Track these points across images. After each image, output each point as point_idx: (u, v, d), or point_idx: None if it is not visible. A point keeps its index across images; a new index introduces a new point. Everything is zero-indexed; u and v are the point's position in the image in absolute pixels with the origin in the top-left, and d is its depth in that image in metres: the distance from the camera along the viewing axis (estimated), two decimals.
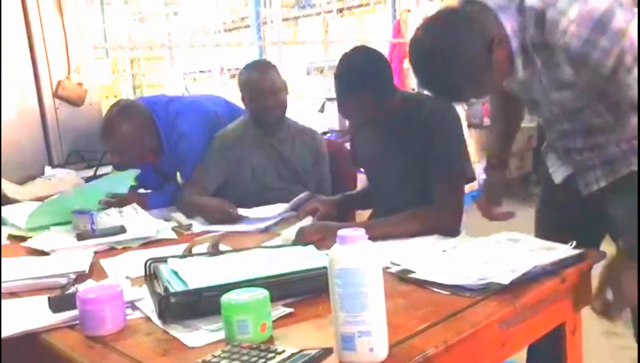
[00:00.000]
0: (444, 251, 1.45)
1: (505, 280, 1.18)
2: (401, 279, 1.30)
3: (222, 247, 1.59)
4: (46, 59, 2.80)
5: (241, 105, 2.39)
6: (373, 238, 1.03)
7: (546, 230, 1.70)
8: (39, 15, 2.76)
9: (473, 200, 2.06)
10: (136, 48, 11.12)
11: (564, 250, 1.32)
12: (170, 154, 2.35)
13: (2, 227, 2.05)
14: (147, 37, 13.42)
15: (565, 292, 1.30)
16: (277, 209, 2.03)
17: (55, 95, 2.81)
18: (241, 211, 2.01)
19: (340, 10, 11.85)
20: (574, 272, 1.30)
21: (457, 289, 1.21)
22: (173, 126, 2.32)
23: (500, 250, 1.40)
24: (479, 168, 5.79)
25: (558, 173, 1.63)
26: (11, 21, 2.71)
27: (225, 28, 13.34)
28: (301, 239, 1.61)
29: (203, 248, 1.51)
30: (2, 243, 1.94)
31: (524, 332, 1.21)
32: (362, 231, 0.96)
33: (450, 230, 1.68)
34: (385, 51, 7.54)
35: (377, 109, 1.76)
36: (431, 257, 1.41)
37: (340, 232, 0.95)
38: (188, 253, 1.45)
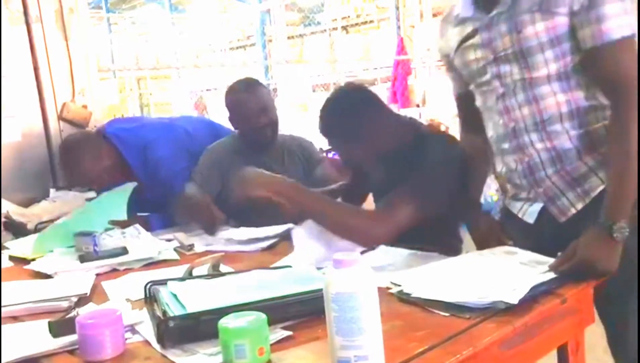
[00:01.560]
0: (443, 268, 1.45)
1: (513, 300, 1.16)
2: (401, 300, 1.30)
3: (223, 268, 1.59)
4: (51, 82, 2.83)
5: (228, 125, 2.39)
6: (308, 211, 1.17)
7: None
8: (44, 38, 2.81)
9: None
10: (141, 69, 11.22)
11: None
12: (150, 182, 2.36)
13: (4, 251, 2.07)
14: (154, 56, 13.55)
15: (567, 312, 1.29)
16: (270, 230, 1.99)
17: (60, 117, 2.84)
18: (231, 233, 2.00)
19: (345, 28, 11.93)
20: (575, 292, 1.30)
21: (457, 309, 1.20)
22: (145, 154, 2.33)
23: (499, 265, 1.39)
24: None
25: (529, 214, 1.58)
26: (16, 44, 2.75)
27: (231, 46, 13.47)
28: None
29: (204, 269, 1.51)
30: (5, 265, 1.95)
31: (525, 353, 1.20)
32: (357, 255, 0.96)
33: (374, 242, 1.61)
34: (389, 68, 7.59)
35: (369, 154, 1.69)
36: (431, 275, 1.40)
37: (335, 256, 0.95)
38: (189, 275, 1.45)
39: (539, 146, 1.48)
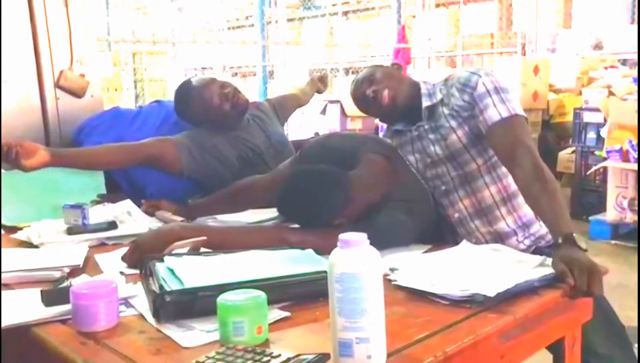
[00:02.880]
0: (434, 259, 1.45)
1: (491, 293, 1.15)
2: (398, 287, 1.28)
3: None
4: (49, 49, 2.76)
5: None
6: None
7: None
8: (44, 4, 2.74)
9: None
10: (139, 42, 11.10)
11: (538, 264, 1.33)
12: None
13: None
14: (151, 32, 13.40)
15: (566, 306, 1.28)
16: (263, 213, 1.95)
17: (57, 85, 2.78)
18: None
19: (346, 14, 11.85)
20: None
21: (448, 299, 1.19)
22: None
23: (485, 261, 1.40)
24: None
25: None
26: (15, 9, 2.69)
27: (229, 26, 13.33)
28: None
29: (183, 252, 1.46)
30: None
31: (524, 344, 1.19)
32: (364, 236, 0.94)
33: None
34: (389, 53, 7.53)
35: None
36: (422, 266, 1.39)
37: (341, 236, 0.94)
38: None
39: (482, 230, 1.71)
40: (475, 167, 1.69)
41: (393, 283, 1.29)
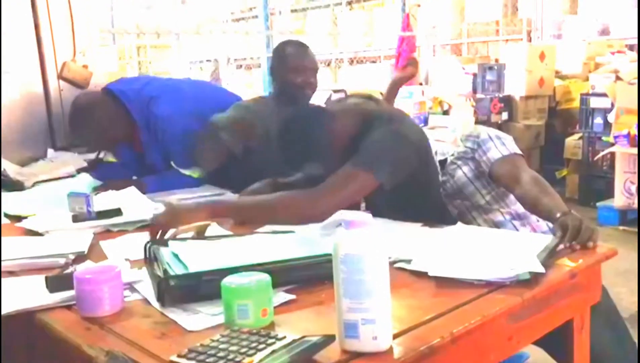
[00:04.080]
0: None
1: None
2: (402, 269, 1.27)
3: (221, 231, 1.56)
4: (52, 40, 2.76)
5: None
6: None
7: None
8: None
9: None
10: (143, 34, 11.10)
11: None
12: (150, 142, 2.31)
13: None
14: (155, 24, 13.37)
15: (574, 288, 1.27)
16: None
17: (60, 76, 2.78)
18: None
19: (350, 3, 11.79)
20: (584, 269, 1.27)
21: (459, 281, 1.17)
22: (148, 111, 2.28)
23: (501, 243, 1.39)
24: None
25: None
26: (17, 0, 2.68)
27: (233, 18, 13.30)
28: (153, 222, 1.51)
29: (188, 236, 1.46)
30: None
31: (532, 326, 1.18)
32: (369, 216, 0.93)
33: (315, 218, 1.51)
34: (394, 43, 7.49)
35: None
36: (438, 251, 1.37)
37: (347, 217, 0.92)
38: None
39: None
40: (480, 197, 1.78)
41: (422, 273, 1.24)
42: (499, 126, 5.84)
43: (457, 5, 9.94)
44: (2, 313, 1.13)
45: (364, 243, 0.91)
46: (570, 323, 1.31)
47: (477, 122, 5.62)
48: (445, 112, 5.60)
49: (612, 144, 4.57)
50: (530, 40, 8.16)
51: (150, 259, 1.29)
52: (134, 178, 2.40)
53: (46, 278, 1.22)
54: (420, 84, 6.51)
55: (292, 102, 2.23)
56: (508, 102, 5.81)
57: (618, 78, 4.84)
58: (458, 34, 9.40)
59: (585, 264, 1.28)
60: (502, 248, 1.34)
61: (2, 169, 2.36)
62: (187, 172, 2.32)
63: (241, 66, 13.49)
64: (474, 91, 6.14)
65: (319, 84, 2.32)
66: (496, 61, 6.94)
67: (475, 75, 6.21)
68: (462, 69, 6.38)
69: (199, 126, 2.25)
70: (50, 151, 2.74)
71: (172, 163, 2.34)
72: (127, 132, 2.30)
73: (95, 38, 3.00)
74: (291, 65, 2.23)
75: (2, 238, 1.64)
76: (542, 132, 5.84)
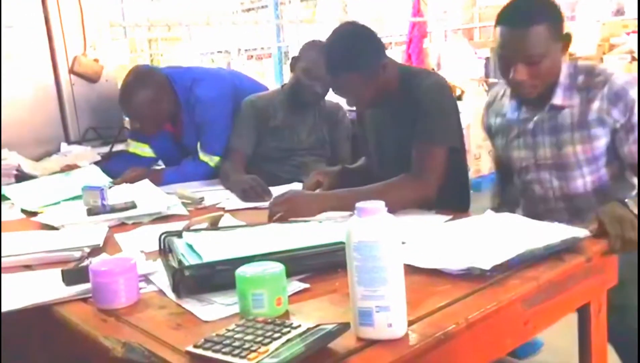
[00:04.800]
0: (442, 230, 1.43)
1: (486, 265, 1.12)
2: None
3: (235, 222, 1.56)
4: (62, 35, 2.77)
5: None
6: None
7: None
8: None
9: (492, 183, 2.04)
10: (153, 26, 11.11)
11: (560, 232, 1.27)
12: (189, 123, 2.35)
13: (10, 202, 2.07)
14: (165, 16, 13.38)
15: (591, 271, 1.25)
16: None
17: (71, 71, 2.79)
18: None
19: None
20: (599, 251, 1.26)
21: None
22: (190, 92, 2.33)
23: (499, 230, 1.36)
24: None
25: None
26: None
27: (242, 8, 13.28)
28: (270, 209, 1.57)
29: (201, 227, 1.47)
30: (15, 217, 1.94)
31: (548, 311, 1.17)
32: (381, 203, 0.92)
33: (427, 198, 1.66)
34: (404, 29, 7.44)
35: (367, 88, 1.72)
36: (426, 237, 1.37)
37: (358, 204, 0.92)
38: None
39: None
40: (581, 184, 1.61)
41: None
42: None
43: None
44: (19, 307, 1.14)
45: (377, 230, 0.90)
46: (587, 307, 1.30)
47: None
48: (458, 98, 5.55)
49: None
50: None
51: (165, 250, 1.30)
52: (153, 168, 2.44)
53: (62, 271, 1.23)
54: (433, 69, 6.46)
55: (295, 100, 2.33)
56: None
57: (634, 59, 4.78)
58: (470, 18, 9.30)
59: (600, 247, 1.27)
60: (496, 238, 1.30)
61: (16, 164, 2.38)
62: (207, 159, 2.33)
63: (252, 56, 13.49)
64: (487, 75, 6.08)
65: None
66: None
67: (487, 59, 6.15)
68: (474, 53, 6.32)
69: (235, 110, 2.36)
70: (63, 145, 2.76)
71: (198, 146, 2.36)
72: (172, 111, 2.33)
73: (105, 31, 3.01)
74: (308, 66, 2.25)
75: (20, 232, 1.67)
76: None
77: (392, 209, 1.47)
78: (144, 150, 2.48)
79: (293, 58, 2.36)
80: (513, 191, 1.82)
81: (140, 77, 2.26)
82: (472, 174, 5.35)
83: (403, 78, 1.79)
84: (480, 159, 5.25)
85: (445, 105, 1.75)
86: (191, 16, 12.05)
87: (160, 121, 2.31)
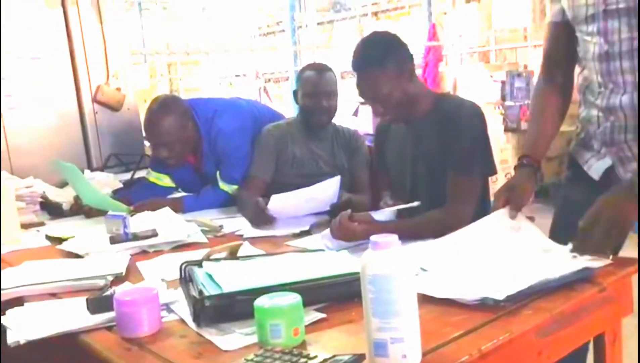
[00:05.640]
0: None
1: (500, 296, 1.14)
2: None
3: (254, 251, 1.60)
4: (86, 65, 2.86)
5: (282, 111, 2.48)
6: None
7: (565, 230, 1.65)
8: (80, 23, 2.84)
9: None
10: (173, 54, 11.32)
11: (575, 261, 1.29)
12: (209, 153, 2.40)
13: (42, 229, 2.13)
14: (184, 42, 13.58)
15: (604, 301, 1.26)
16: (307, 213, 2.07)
17: (95, 100, 2.88)
18: (272, 210, 2.03)
19: (375, 14, 11.82)
20: (614, 281, 1.27)
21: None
22: (211, 123, 2.40)
23: (507, 250, 1.39)
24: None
25: (596, 168, 1.58)
26: (53, 27, 2.79)
27: (260, 32, 13.46)
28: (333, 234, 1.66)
29: (221, 256, 1.51)
30: (41, 244, 2.00)
31: (562, 341, 1.18)
32: (395, 237, 0.95)
33: (463, 226, 1.65)
34: (420, 53, 7.50)
35: (394, 90, 1.76)
36: (442, 261, 1.39)
37: (372, 238, 0.95)
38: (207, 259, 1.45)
39: (628, 111, 1.46)
40: None
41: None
42: None
43: (484, 11, 9.89)
44: (47, 335, 1.18)
45: (390, 264, 0.93)
46: (601, 337, 1.30)
47: (505, 130, 5.58)
48: None
49: None
50: None
51: (186, 279, 1.33)
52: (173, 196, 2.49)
53: (87, 300, 1.27)
54: (448, 92, 6.49)
55: (306, 126, 2.38)
56: None
57: None
58: (485, 41, 9.34)
59: (615, 277, 1.28)
60: (510, 265, 1.32)
61: (41, 191, 2.44)
62: (226, 188, 2.38)
63: (269, 79, 13.63)
64: (503, 98, 6.10)
65: (342, 97, 2.40)
66: (524, 67, 6.88)
67: (503, 82, 6.17)
68: (490, 76, 6.34)
69: (254, 139, 2.42)
70: (86, 172, 2.83)
71: (217, 175, 2.41)
72: (195, 140, 2.40)
73: (127, 61, 3.10)
74: (305, 90, 2.32)
75: (45, 260, 1.72)
76: (574, 138, 5.76)
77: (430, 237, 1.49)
78: (164, 180, 2.53)
79: (294, 92, 2.42)
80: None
81: (167, 105, 2.32)
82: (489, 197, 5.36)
83: (438, 100, 1.85)
84: (496, 182, 5.25)
85: (483, 134, 1.80)
86: (210, 41, 12.23)
87: (184, 150, 2.36)
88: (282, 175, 2.36)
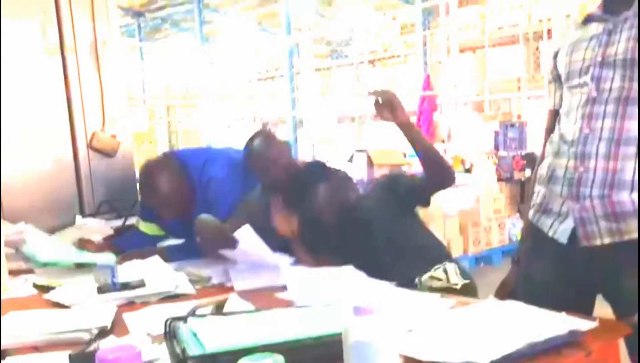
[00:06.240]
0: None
1: (484, 360, 1.12)
2: None
3: (241, 304, 1.59)
4: (82, 112, 2.89)
5: None
6: None
7: (533, 289, 1.66)
8: (78, 70, 2.88)
9: (503, 256, 2.06)
10: (171, 98, 11.48)
11: (561, 324, 1.28)
12: (201, 201, 2.40)
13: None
14: (184, 86, 13.78)
15: None
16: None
17: (90, 146, 2.90)
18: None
19: (372, 62, 12.03)
20: (601, 345, 1.26)
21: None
22: (202, 171, 2.41)
23: (497, 321, 1.37)
24: (509, 222, 5.73)
25: (562, 231, 1.57)
26: (51, 74, 2.82)
27: (259, 77, 13.67)
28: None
29: (207, 310, 1.49)
30: (28, 293, 1.99)
31: None
32: (378, 305, 0.95)
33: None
34: (416, 100, 7.61)
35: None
36: (428, 326, 1.37)
37: (355, 304, 0.95)
38: (192, 315, 1.44)
39: (600, 163, 1.47)
40: None
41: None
42: (522, 184, 5.84)
43: (478, 61, 10.08)
44: None
45: (374, 330, 0.93)
46: None
47: (499, 180, 5.62)
48: (468, 171, 5.62)
49: None
50: None
51: (170, 336, 1.32)
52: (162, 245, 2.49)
53: (70, 356, 1.25)
54: (442, 141, 6.57)
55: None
56: (531, 160, 5.81)
57: None
58: (480, 90, 9.49)
59: (602, 340, 1.27)
60: (496, 329, 1.31)
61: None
62: None
63: (267, 123, 13.79)
64: (496, 148, 6.17)
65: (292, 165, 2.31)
66: (518, 117, 6.97)
67: (497, 132, 6.25)
68: (483, 126, 6.43)
69: (244, 190, 2.42)
70: (78, 218, 2.83)
71: None
72: (187, 195, 2.41)
73: (123, 107, 3.13)
74: (250, 162, 2.31)
75: (30, 310, 1.70)
76: (532, 207, 5.79)
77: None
78: (153, 229, 2.53)
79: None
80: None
81: (160, 169, 2.35)
82: (482, 247, 5.36)
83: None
84: (490, 232, 5.26)
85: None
86: (209, 86, 12.40)
87: (178, 207, 2.37)
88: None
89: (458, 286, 1.88)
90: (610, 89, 1.47)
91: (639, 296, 1.42)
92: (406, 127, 1.94)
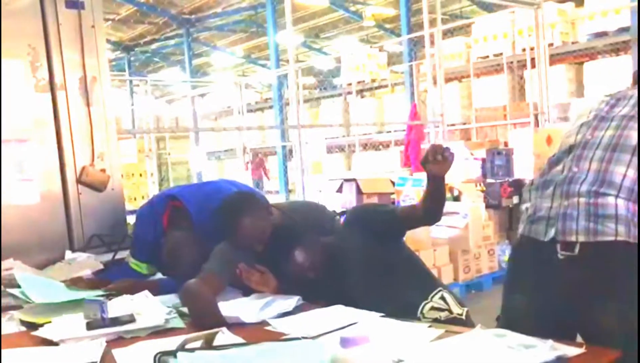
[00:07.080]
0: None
1: None
2: None
3: (230, 337, 1.59)
4: (72, 147, 2.90)
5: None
6: None
7: (515, 314, 1.70)
8: (67, 106, 2.89)
9: (493, 282, 2.07)
10: (161, 132, 11.52)
11: (548, 351, 1.30)
12: (204, 240, 2.36)
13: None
14: (174, 118, 13.82)
15: None
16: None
17: (79, 181, 2.90)
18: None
19: (360, 92, 12.17)
20: None
21: None
22: (203, 206, 2.37)
23: (485, 349, 1.38)
24: (498, 248, 5.75)
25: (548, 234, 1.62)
26: (41, 110, 2.84)
27: (249, 109, 13.78)
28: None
29: (197, 344, 1.49)
30: (16, 330, 1.97)
31: None
32: (365, 337, 0.96)
33: None
34: (403, 132, 7.67)
35: None
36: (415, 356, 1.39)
37: (342, 335, 0.97)
38: (181, 349, 1.44)
39: (594, 165, 1.60)
40: (633, 144, 1.58)
41: None
42: (510, 210, 5.88)
43: (464, 90, 10.22)
44: None
45: (361, 362, 0.94)
46: None
47: (487, 207, 5.66)
48: (456, 198, 5.66)
49: None
50: (537, 124, 8.32)
51: None
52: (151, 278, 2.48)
53: None
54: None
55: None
56: (518, 186, 5.86)
57: None
58: (466, 118, 9.60)
59: None
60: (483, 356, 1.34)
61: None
62: None
63: (257, 154, 13.84)
64: (484, 175, 6.22)
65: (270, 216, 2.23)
66: (505, 144, 7.05)
67: (484, 160, 6.31)
68: (470, 154, 6.49)
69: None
70: (68, 253, 2.82)
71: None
72: (190, 235, 2.37)
73: (113, 141, 3.15)
74: (236, 234, 2.19)
75: (18, 349, 1.69)
76: (523, 221, 5.84)
77: None
78: (143, 268, 2.53)
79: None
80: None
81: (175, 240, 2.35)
82: (472, 274, 5.37)
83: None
84: (480, 259, 5.28)
85: None
86: (198, 119, 12.46)
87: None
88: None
89: (463, 316, 1.89)
90: (603, 136, 1.64)
91: (639, 296, 1.47)
92: (442, 180, 1.96)
